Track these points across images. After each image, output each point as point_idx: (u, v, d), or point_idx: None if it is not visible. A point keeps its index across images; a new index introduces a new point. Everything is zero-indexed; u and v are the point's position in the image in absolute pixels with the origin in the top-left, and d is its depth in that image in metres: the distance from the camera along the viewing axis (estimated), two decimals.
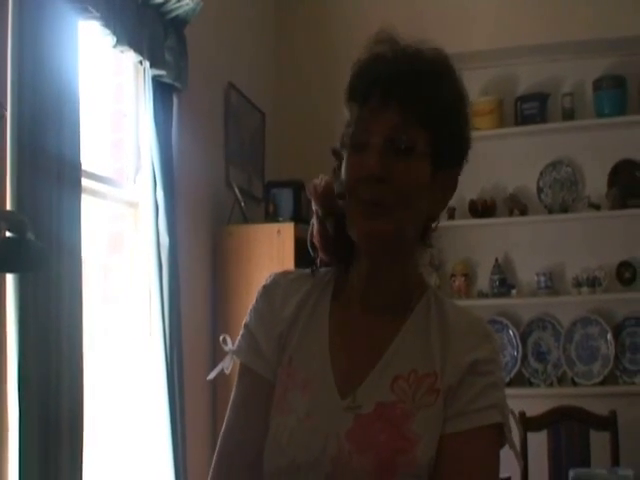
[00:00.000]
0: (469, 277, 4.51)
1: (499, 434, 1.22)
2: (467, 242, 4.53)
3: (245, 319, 1.33)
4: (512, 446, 1.25)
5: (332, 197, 1.29)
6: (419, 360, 1.24)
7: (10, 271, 1.71)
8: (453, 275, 4.49)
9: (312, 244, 1.36)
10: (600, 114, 4.38)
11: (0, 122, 1.78)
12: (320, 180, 1.32)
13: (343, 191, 1.24)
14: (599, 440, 3.81)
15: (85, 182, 2.55)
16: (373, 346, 1.26)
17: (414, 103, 1.19)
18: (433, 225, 1.30)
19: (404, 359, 1.24)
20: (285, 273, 1.36)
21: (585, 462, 3.76)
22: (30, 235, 1.16)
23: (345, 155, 1.24)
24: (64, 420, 2.30)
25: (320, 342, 1.28)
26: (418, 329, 1.27)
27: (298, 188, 3.92)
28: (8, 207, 2.19)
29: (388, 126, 1.19)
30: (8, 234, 1.13)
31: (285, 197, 3.94)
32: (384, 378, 1.23)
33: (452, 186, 1.27)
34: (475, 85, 4.54)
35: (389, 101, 1.19)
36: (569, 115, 4.44)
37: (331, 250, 1.33)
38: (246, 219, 3.76)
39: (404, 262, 1.28)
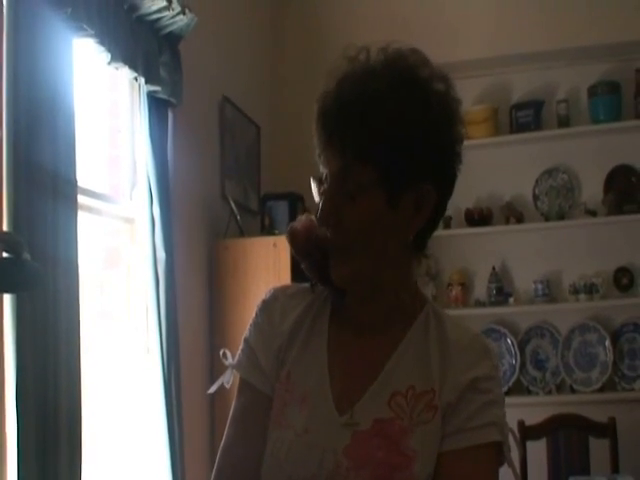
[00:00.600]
0: (466, 286, 4.51)
1: (498, 452, 1.22)
2: (463, 251, 4.54)
3: (245, 333, 1.34)
4: (511, 465, 1.25)
5: (304, 241, 1.31)
6: (417, 376, 1.24)
7: (6, 291, 1.72)
8: (450, 284, 4.49)
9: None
10: (595, 120, 4.39)
11: None
12: (293, 225, 1.34)
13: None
14: (598, 447, 3.82)
15: (81, 199, 2.56)
16: (371, 362, 1.26)
17: (349, 143, 1.18)
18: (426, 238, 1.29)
19: (402, 375, 1.24)
20: (284, 288, 1.37)
21: (585, 470, 3.77)
22: (26, 255, 1.16)
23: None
24: (62, 436, 2.30)
25: (319, 358, 1.28)
26: (417, 345, 1.26)
27: (294, 200, 3.93)
28: (4, 223, 2.20)
29: (334, 171, 1.20)
30: (5, 254, 1.13)
31: (281, 210, 3.94)
32: (382, 394, 1.23)
33: (426, 203, 1.22)
34: (469, 94, 4.55)
35: (333, 141, 1.20)
36: (564, 122, 4.45)
37: (322, 283, 1.33)
38: (242, 232, 3.77)
39: (390, 289, 1.27)
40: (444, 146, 1.22)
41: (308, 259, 1.32)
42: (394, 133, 1.17)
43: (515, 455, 1.26)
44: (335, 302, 1.32)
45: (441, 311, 1.32)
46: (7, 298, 2.15)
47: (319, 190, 1.25)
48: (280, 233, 3.73)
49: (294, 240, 1.33)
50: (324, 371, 1.26)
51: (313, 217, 1.30)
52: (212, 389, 1.41)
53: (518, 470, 1.29)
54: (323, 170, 1.24)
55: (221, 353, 1.36)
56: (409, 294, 1.30)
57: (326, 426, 1.22)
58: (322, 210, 1.22)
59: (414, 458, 1.18)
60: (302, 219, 1.33)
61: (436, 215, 1.26)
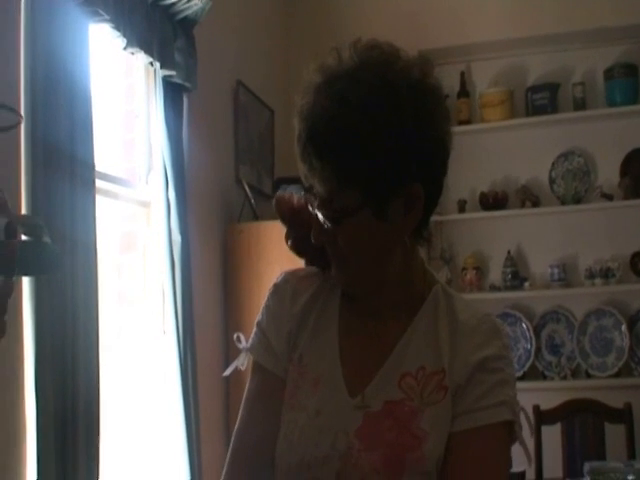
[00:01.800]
0: (481, 270, 4.50)
1: (509, 431, 1.22)
2: (478, 235, 4.53)
3: (257, 317, 1.35)
4: (522, 444, 1.25)
5: (290, 211, 1.34)
6: (427, 357, 1.24)
7: (26, 274, 1.74)
8: (464, 268, 4.48)
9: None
10: (612, 103, 4.37)
11: (15, 129, 1.80)
12: (280, 194, 1.36)
13: None
14: (614, 433, 3.80)
15: (98, 182, 2.57)
16: (381, 344, 1.27)
17: (328, 174, 1.17)
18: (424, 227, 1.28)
19: (412, 356, 1.25)
20: (295, 271, 1.38)
21: (600, 455, 3.75)
22: (46, 238, 1.17)
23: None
24: (80, 419, 2.32)
25: (330, 341, 1.29)
26: (426, 326, 1.27)
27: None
28: (23, 208, 2.22)
29: (320, 200, 1.20)
30: (24, 237, 1.14)
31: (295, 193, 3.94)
32: (392, 376, 1.24)
33: (415, 203, 1.19)
34: (485, 76, 4.54)
35: (313, 168, 1.18)
36: (580, 105, 4.42)
37: (311, 262, 1.36)
38: (256, 216, 3.77)
39: (393, 282, 1.27)
40: (426, 144, 1.19)
41: (292, 229, 1.35)
42: (371, 156, 1.15)
43: (527, 434, 1.26)
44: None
45: (451, 291, 1.33)
46: (26, 281, 2.17)
47: (311, 207, 1.24)
48: None
49: (279, 207, 1.36)
50: (335, 354, 1.27)
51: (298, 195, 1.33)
52: (227, 372, 1.43)
53: (531, 450, 1.29)
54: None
55: (235, 337, 1.38)
56: (416, 280, 1.30)
57: (338, 408, 1.24)
58: (314, 231, 1.23)
59: (425, 439, 1.19)
60: (289, 193, 1.37)
61: (430, 206, 1.24)
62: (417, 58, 1.22)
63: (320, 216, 1.22)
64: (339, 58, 1.20)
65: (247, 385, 1.33)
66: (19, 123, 1.30)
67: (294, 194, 1.37)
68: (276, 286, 1.35)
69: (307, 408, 1.25)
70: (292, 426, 1.25)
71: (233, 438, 1.32)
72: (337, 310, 1.31)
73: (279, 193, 1.38)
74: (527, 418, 1.29)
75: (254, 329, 1.35)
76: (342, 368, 1.26)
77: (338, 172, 1.17)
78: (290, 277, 1.35)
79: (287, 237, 1.38)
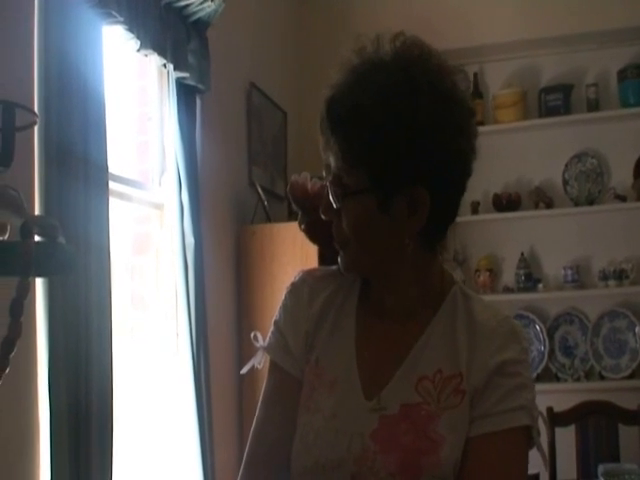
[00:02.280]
0: (494, 272, 4.49)
1: (527, 436, 1.21)
2: (491, 237, 4.52)
3: (275, 316, 1.35)
4: (539, 449, 1.24)
5: (303, 195, 1.35)
6: (445, 360, 1.23)
7: (41, 275, 1.74)
8: (478, 270, 4.47)
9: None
10: (625, 104, 4.35)
11: (32, 128, 1.81)
12: (294, 178, 1.36)
13: None
14: (628, 434, 3.78)
15: (111, 185, 2.57)
16: (398, 347, 1.26)
17: (338, 150, 1.20)
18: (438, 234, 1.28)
19: (429, 359, 1.24)
20: (312, 271, 1.38)
21: (614, 457, 3.73)
22: (61, 239, 1.17)
23: None
24: (94, 420, 2.32)
25: (347, 342, 1.28)
26: (444, 328, 1.26)
27: None
28: (36, 210, 2.22)
29: (332, 165, 1.22)
30: (38, 238, 1.14)
31: None
32: (409, 379, 1.23)
33: (420, 206, 1.19)
34: (498, 77, 4.53)
35: (329, 142, 1.22)
36: (594, 106, 4.41)
37: (322, 248, 1.37)
38: (269, 218, 3.78)
39: (406, 283, 1.26)
40: (440, 151, 1.18)
41: (306, 213, 1.36)
42: (382, 142, 1.17)
43: (544, 439, 1.25)
44: (365, 281, 1.33)
45: (469, 292, 1.31)
46: (39, 283, 2.17)
47: (326, 182, 1.26)
48: None
49: (293, 192, 1.37)
50: (352, 356, 1.27)
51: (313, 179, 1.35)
52: (244, 370, 1.44)
53: (547, 455, 1.28)
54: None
55: (252, 335, 1.38)
56: (434, 282, 1.29)
57: (354, 411, 1.23)
58: (323, 205, 1.25)
59: (441, 443, 1.18)
60: (303, 176, 1.37)
61: (441, 216, 1.23)
62: (452, 67, 1.23)
63: (330, 188, 1.23)
64: (378, 46, 1.22)
65: (264, 385, 1.33)
66: (35, 123, 1.30)
67: (308, 179, 1.37)
68: (293, 285, 1.35)
69: (323, 410, 1.24)
70: (308, 428, 1.25)
71: (250, 439, 1.32)
72: (354, 311, 1.31)
73: (294, 177, 1.38)
74: (545, 423, 1.28)
75: (271, 328, 1.35)
76: (358, 370, 1.25)
77: (345, 148, 1.19)
78: (307, 277, 1.35)
79: (300, 222, 1.38)
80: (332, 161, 1.22)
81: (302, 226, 1.38)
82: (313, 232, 1.37)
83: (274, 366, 1.32)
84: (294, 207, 1.39)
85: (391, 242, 1.22)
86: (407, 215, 1.20)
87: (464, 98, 1.23)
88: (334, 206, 1.23)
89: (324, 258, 1.41)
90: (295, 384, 1.29)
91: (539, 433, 1.22)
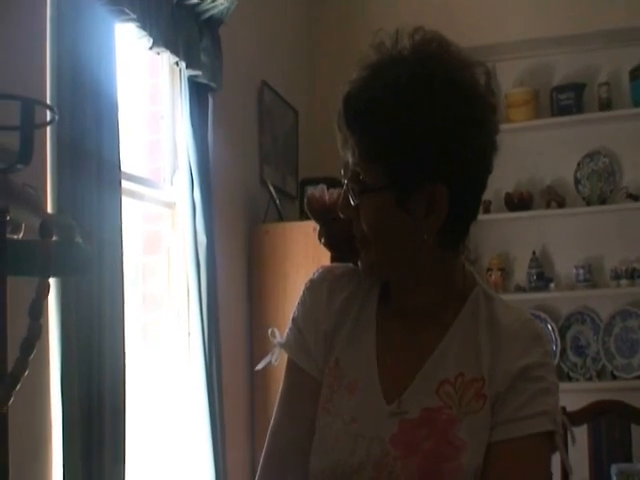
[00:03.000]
0: (506, 271, 4.47)
1: (549, 441, 1.18)
2: (503, 236, 4.50)
3: (293, 313, 1.34)
4: (562, 454, 1.21)
5: (321, 208, 1.34)
6: (466, 363, 1.21)
7: (59, 275, 1.73)
8: (489, 269, 4.45)
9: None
10: (637, 103, 4.32)
11: (51, 125, 1.81)
12: (311, 192, 1.35)
13: None
14: None
15: (123, 183, 2.57)
16: (420, 350, 1.24)
17: (356, 145, 1.19)
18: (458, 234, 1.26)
19: (451, 362, 1.22)
20: (332, 268, 1.35)
21: (627, 457, 3.72)
22: (78, 238, 1.16)
23: None
24: (106, 420, 2.32)
25: (367, 345, 1.26)
26: (466, 331, 1.24)
27: (332, 185, 3.90)
28: (49, 209, 2.22)
29: (350, 161, 1.21)
30: (55, 238, 1.13)
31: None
32: (430, 383, 1.21)
33: (439, 203, 1.17)
34: (510, 76, 4.51)
35: (347, 137, 1.20)
36: (606, 105, 4.38)
37: (340, 259, 1.35)
38: (281, 217, 3.77)
39: (426, 276, 1.24)
40: (459, 147, 1.17)
41: (325, 226, 1.34)
42: (399, 137, 1.15)
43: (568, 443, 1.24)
44: (385, 284, 1.31)
45: (492, 293, 1.29)
46: (52, 282, 2.16)
47: (344, 181, 1.25)
48: None
49: (310, 206, 1.36)
50: (372, 359, 1.25)
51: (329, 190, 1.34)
52: (260, 366, 1.40)
53: (570, 460, 1.26)
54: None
55: (270, 332, 1.36)
56: (455, 283, 1.26)
57: (374, 415, 1.21)
58: (340, 203, 1.24)
59: (463, 448, 1.16)
60: (320, 189, 1.36)
61: (460, 214, 1.21)
62: (473, 61, 1.22)
63: (348, 186, 1.22)
64: (396, 40, 1.21)
65: (282, 383, 1.32)
66: (54, 120, 1.29)
67: (325, 190, 1.36)
68: (312, 282, 1.33)
69: (342, 413, 1.23)
70: (327, 431, 1.23)
71: (267, 439, 1.30)
72: (374, 313, 1.29)
73: (310, 192, 1.37)
74: (569, 428, 1.26)
75: (289, 324, 1.33)
76: (379, 373, 1.23)
77: (362, 143, 1.18)
78: (327, 274, 1.33)
79: (320, 235, 1.36)
80: (350, 158, 1.21)
81: (322, 239, 1.36)
82: (334, 244, 1.34)
83: (292, 365, 1.31)
84: (313, 220, 1.37)
85: (410, 241, 1.20)
86: (426, 212, 1.18)
87: (484, 93, 1.21)
88: (350, 202, 1.21)
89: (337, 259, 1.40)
90: (313, 384, 1.27)
91: (562, 438, 1.20)
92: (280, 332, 1.35)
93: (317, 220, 1.36)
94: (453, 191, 1.17)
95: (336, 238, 1.32)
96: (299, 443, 1.25)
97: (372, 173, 1.18)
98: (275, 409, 1.31)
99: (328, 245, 1.36)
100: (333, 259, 1.40)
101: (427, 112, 1.15)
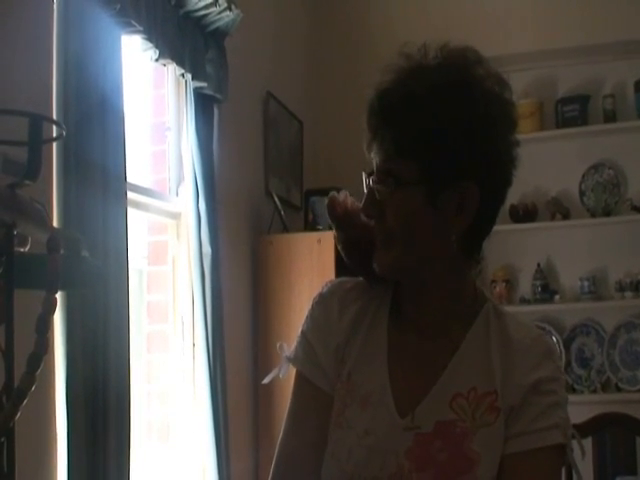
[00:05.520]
0: (510, 283, 4.46)
1: (561, 454, 1.20)
2: (508, 247, 4.48)
3: (302, 326, 1.33)
4: (574, 467, 1.24)
5: (343, 212, 1.31)
6: (479, 378, 1.22)
7: (66, 289, 1.73)
8: (494, 281, 4.45)
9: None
10: None
11: (58, 141, 1.81)
12: (333, 194, 1.33)
13: None
14: None
15: (129, 194, 2.57)
16: (432, 364, 1.25)
17: (390, 138, 1.19)
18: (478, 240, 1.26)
19: (463, 377, 1.23)
20: (341, 282, 1.36)
21: (631, 469, 3.71)
22: (85, 252, 1.17)
23: None
24: (111, 430, 2.32)
25: (379, 359, 1.27)
26: (477, 345, 1.25)
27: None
28: (54, 220, 2.22)
29: (377, 165, 1.21)
30: (62, 252, 1.13)
31: (324, 205, 3.90)
32: (443, 396, 1.22)
33: (469, 203, 1.19)
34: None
35: (378, 133, 1.20)
36: (611, 117, 4.38)
37: (354, 267, 1.33)
38: (286, 228, 3.77)
39: (444, 288, 1.25)
40: (492, 148, 1.20)
41: (343, 231, 1.32)
42: (435, 132, 1.17)
43: (577, 455, 1.24)
44: (395, 296, 1.31)
45: (502, 309, 1.30)
46: (58, 293, 2.17)
47: (367, 182, 1.25)
48: (323, 229, 3.73)
49: (332, 208, 1.33)
50: (384, 372, 1.25)
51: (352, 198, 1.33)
52: (267, 380, 1.40)
53: (581, 472, 1.27)
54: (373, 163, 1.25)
55: (278, 346, 1.35)
56: (467, 297, 1.27)
57: (387, 429, 1.22)
58: (364, 202, 1.23)
59: (477, 461, 1.18)
60: (343, 194, 1.34)
61: (485, 218, 1.23)
62: (501, 75, 1.25)
63: (373, 185, 1.21)
64: (425, 52, 1.23)
65: (291, 398, 1.31)
66: (62, 135, 1.30)
67: (348, 196, 1.34)
68: (322, 296, 1.33)
69: (355, 427, 1.23)
70: (340, 445, 1.23)
71: (277, 453, 1.30)
72: (385, 326, 1.29)
73: (333, 194, 1.34)
74: (578, 440, 1.27)
75: (298, 338, 1.33)
76: (391, 386, 1.24)
77: (397, 137, 1.18)
78: (337, 289, 1.33)
79: (338, 240, 1.34)
80: (379, 155, 1.21)
81: (340, 244, 1.34)
82: (350, 250, 1.33)
83: (302, 379, 1.30)
84: (332, 223, 1.35)
85: (435, 240, 1.21)
86: (456, 211, 1.19)
87: (510, 101, 1.25)
88: (376, 199, 1.21)
89: (343, 268, 1.39)
90: (325, 398, 1.27)
91: (572, 450, 1.22)
92: (288, 346, 1.34)
93: (336, 224, 1.34)
94: (482, 192, 1.19)
95: (351, 246, 1.31)
96: (310, 458, 1.26)
97: (404, 168, 1.18)
98: (284, 423, 1.31)
99: (345, 250, 1.34)
100: (338, 264, 1.39)
101: (463, 110, 1.18)
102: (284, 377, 1.36)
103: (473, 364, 1.23)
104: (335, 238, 1.35)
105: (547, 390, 1.21)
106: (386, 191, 1.20)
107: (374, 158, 1.22)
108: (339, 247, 1.35)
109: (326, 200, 1.34)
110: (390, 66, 1.23)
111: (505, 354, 1.23)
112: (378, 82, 1.23)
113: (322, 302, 1.32)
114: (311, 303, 1.34)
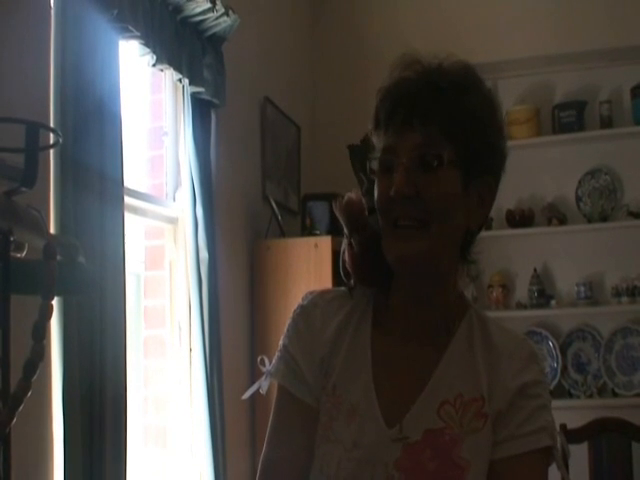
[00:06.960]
0: (507, 288, 4.47)
1: (547, 456, 1.22)
2: (504, 252, 4.49)
3: (282, 340, 1.31)
4: (561, 469, 1.24)
5: (360, 213, 1.27)
6: (464, 384, 1.23)
7: (62, 295, 1.74)
8: (490, 286, 4.45)
9: (345, 270, 1.32)
10: (638, 121, 4.32)
11: (55, 148, 1.82)
12: (350, 195, 1.31)
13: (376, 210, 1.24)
14: None
15: (126, 199, 2.58)
16: (417, 373, 1.24)
17: (436, 118, 1.18)
18: (474, 238, 1.28)
19: (449, 384, 1.23)
20: (322, 293, 1.33)
21: (627, 475, 3.71)
22: (81, 258, 1.17)
23: (376, 181, 1.24)
24: (108, 437, 2.32)
25: (363, 369, 1.25)
26: (462, 352, 1.25)
27: (334, 201, 3.92)
28: (52, 225, 2.23)
29: (413, 145, 1.18)
30: (58, 258, 1.14)
31: (321, 210, 3.93)
32: (430, 404, 1.22)
33: (488, 197, 1.24)
34: (512, 93, 4.52)
35: (412, 120, 1.19)
36: (607, 123, 4.39)
37: (363, 274, 1.30)
38: (283, 233, 3.77)
39: (445, 284, 1.25)
40: (502, 147, 1.26)
41: (356, 232, 1.27)
42: (479, 119, 1.21)
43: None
44: (377, 305, 1.29)
45: (484, 315, 1.31)
46: (54, 300, 2.17)
47: (382, 167, 1.22)
48: (321, 234, 3.73)
49: (350, 209, 1.27)
50: (370, 383, 1.24)
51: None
52: (247, 394, 1.39)
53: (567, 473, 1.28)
54: (375, 167, 1.23)
55: (259, 360, 1.33)
56: (451, 302, 1.27)
57: (375, 440, 1.21)
58: (399, 182, 1.17)
59: (467, 468, 1.18)
60: (354, 191, 1.30)
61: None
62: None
63: (410, 165, 1.18)
64: (433, 59, 1.25)
65: (273, 409, 1.29)
66: (59, 143, 1.30)
67: (362, 197, 1.30)
68: (303, 308, 1.30)
69: (343, 440, 1.22)
70: (328, 458, 1.22)
71: (260, 464, 1.28)
72: (369, 336, 1.28)
73: (348, 194, 1.28)
74: (563, 441, 1.28)
75: (278, 352, 1.30)
76: (377, 397, 1.23)
77: (446, 120, 1.19)
78: (318, 300, 1.31)
79: (355, 242, 1.28)
80: (418, 135, 1.18)
81: (357, 246, 1.28)
82: (366, 253, 1.28)
83: (285, 393, 1.28)
84: (344, 224, 1.29)
85: (461, 227, 1.23)
86: (477, 202, 1.22)
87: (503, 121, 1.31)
88: (412, 179, 1.17)
89: (339, 274, 1.36)
90: (309, 411, 1.26)
91: (559, 451, 1.23)
92: (270, 357, 1.32)
93: (351, 224, 1.28)
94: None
95: (366, 249, 1.27)
96: (294, 472, 1.24)
97: (445, 149, 1.18)
98: (267, 436, 1.29)
99: (362, 252, 1.28)
100: (334, 268, 1.36)
101: (494, 108, 1.25)
102: (265, 392, 1.33)
103: (458, 371, 1.24)
104: (347, 242, 1.29)
105: (533, 393, 1.22)
106: (424, 170, 1.18)
107: (402, 141, 1.19)
108: (355, 250, 1.28)
109: (335, 203, 1.28)
110: (402, 62, 1.24)
111: (490, 359, 1.24)
112: (395, 73, 1.23)
113: (303, 314, 1.29)
114: (291, 315, 1.31)
